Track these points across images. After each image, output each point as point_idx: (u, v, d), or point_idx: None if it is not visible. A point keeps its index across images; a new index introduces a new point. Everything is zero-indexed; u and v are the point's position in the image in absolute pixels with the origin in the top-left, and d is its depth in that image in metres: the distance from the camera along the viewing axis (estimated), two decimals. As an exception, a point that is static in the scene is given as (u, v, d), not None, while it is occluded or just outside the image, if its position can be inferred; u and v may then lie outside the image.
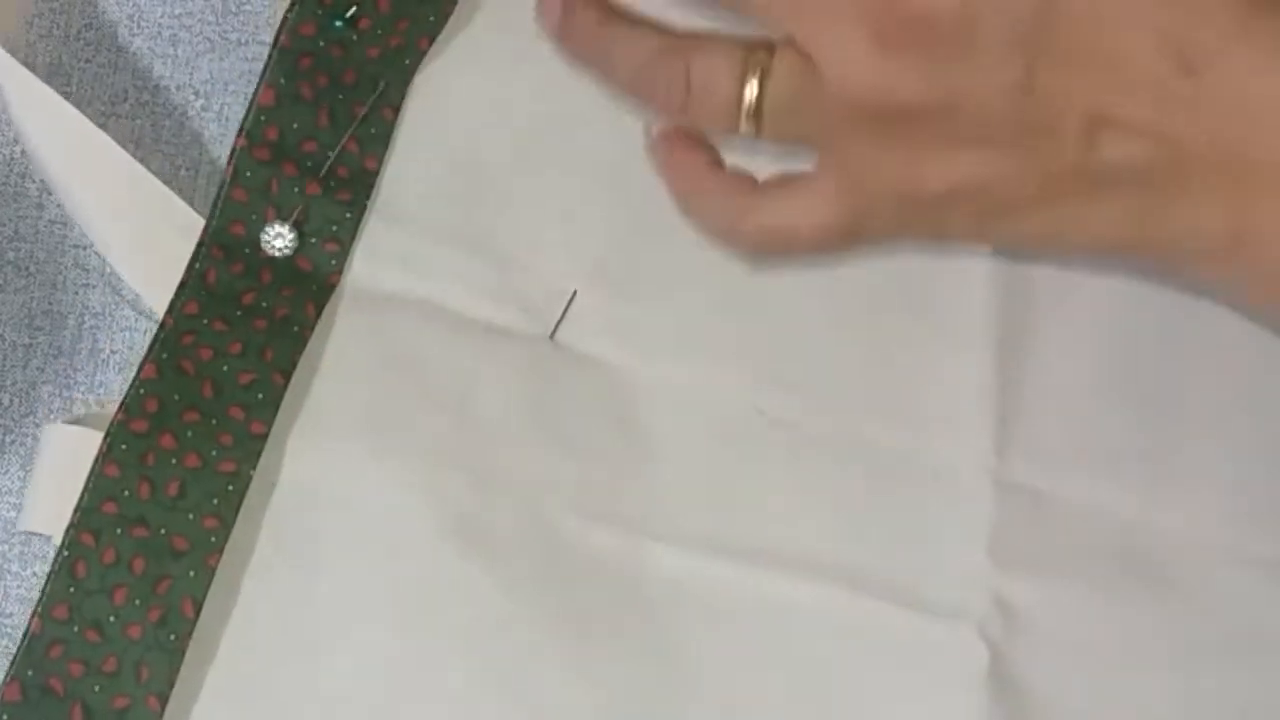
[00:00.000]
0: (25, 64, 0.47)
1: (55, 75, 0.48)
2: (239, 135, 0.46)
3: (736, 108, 0.40)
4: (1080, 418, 0.47)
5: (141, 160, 0.48)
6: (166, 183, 0.47)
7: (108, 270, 0.47)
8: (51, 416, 0.46)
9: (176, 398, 0.44)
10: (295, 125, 0.46)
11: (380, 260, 0.47)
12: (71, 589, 0.42)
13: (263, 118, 0.46)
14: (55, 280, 0.47)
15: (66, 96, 0.48)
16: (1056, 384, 0.47)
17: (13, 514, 0.45)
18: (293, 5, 0.47)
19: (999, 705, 0.45)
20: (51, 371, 0.46)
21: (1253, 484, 0.47)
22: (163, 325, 0.45)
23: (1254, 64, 0.36)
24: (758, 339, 0.47)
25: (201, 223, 0.46)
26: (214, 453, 0.43)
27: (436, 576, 0.44)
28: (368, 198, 0.47)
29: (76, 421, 0.45)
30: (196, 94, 0.49)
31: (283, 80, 0.47)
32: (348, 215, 0.46)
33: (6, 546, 0.45)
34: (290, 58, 0.47)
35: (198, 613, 0.42)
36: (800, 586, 0.45)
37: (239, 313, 0.45)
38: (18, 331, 0.47)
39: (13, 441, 0.46)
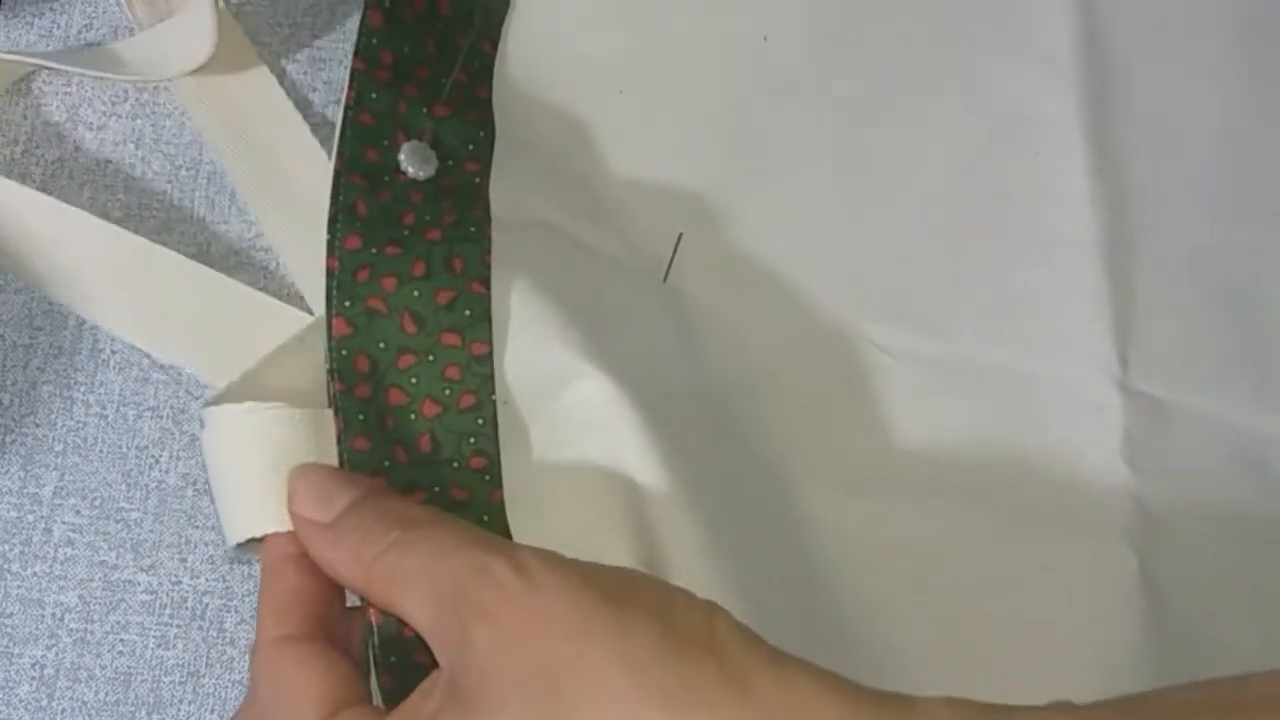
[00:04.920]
0: (25, 64, 0.47)
1: (56, 76, 0.48)
2: (355, 58, 0.44)
3: None
4: (1189, 328, 0.47)
5: (141, 160, 0.48)
6: (167, 182, 0.48)
7: (108, 270, 0.47)
8: (51, 417, 0.46)
9: (382, 345, 0.41)
10: (406, 50, 0.44)
11: (511, 181, 0.44)
12: None
13: (374, 40, 0.44)
14: (55, 280, 0.47)
15: (66, 97, 0.48)
16: (1164, 296, 0.48)
17: (13, 514, 0.45)
18: None
19: (1152, 609, 0.44)
20: (51, 371, 0.46)
21: None
22: (330, 271, 0.41)
23: None
24: (864, 271, 0.47)
25: (197, 268, 0.45)
26: (447, 391, 0.41)
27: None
28: (493, 120, 0.45)
29: (220, 401, 0.40)
30: (197, 94, 0.49)
31: (387, 3, 0.45)
32: (481, 134, 0.44)
33: (7, 546, 0.45)
34: None
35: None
36: (941, 518, 0.45)
37: (406, 232, 0.41)
38: (18, 331, 0.47)
39: (13, 441, 0.46)
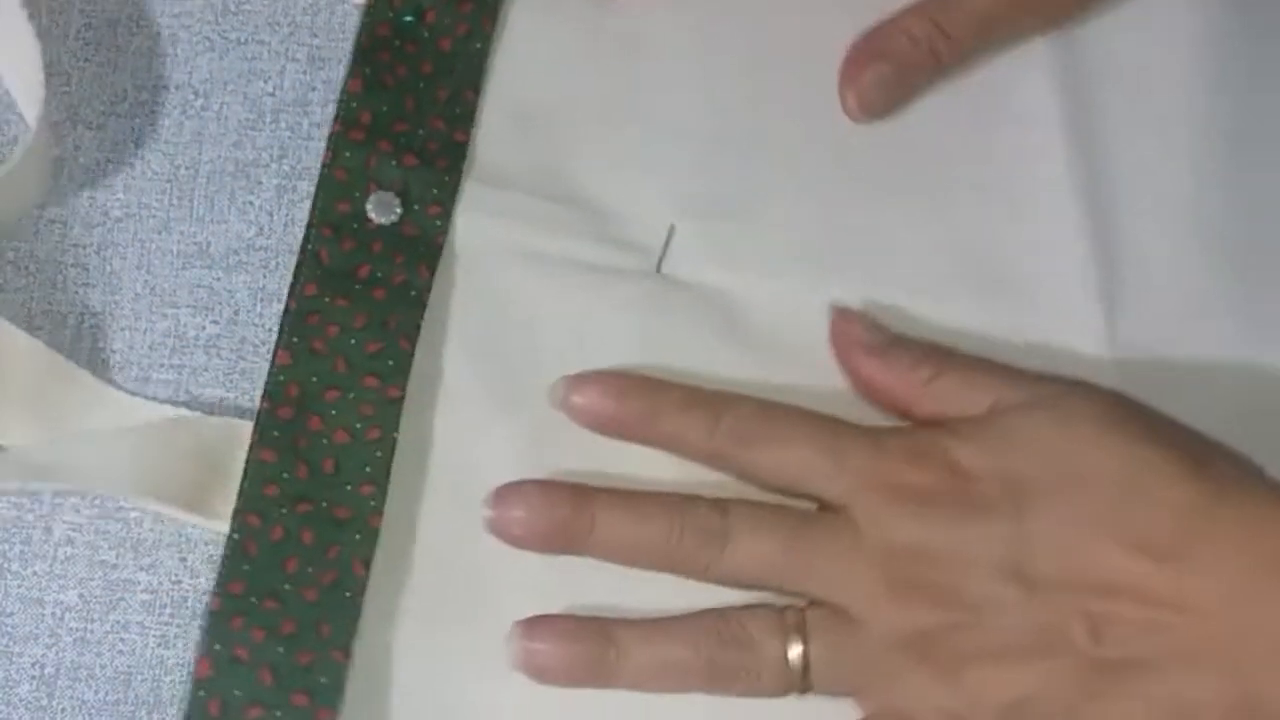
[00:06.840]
0: (25, 64, 0.47)
1: (55, 75, 0.48)
2: (335, 120, 0.48)
3: (785, 667, 0.42)
4: (1177, 284, 0.48)
5: (141, 159, 0.48)
6: (167, 182, 0.48)
7: (108, 270, 0.47)
8: (51, 417, 0.46)
9: (314, 379, 0.45)
10: (385, 109, 0.48)
11: (481, 216, 0.48)
12: (245, 566, 0.43)
13: (354, 104, 0.48)
14: (55, 280, 0.47)
15: (66, 96, 0.48)
16: (1149, 254, 0.49)
17: (13, 513, 0.45)
18: (367, 9, 0.49)
19: None
20: (51, 371, 0.46)
21: None
22: (287, 309, 0.46)
23: (1218, 553, 0.41)
24: (858, 245, 0.48)
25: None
26: (359, 425, 0.45)
27: None
28: (463, 164, 0.48)
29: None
30: (196, 93, 0.49)
31: (367, 70, 0.48)
32: (446, 179, 0.48)
33: (7, 546, 0.45)
34: (371, 53, 0.49)
35: (368, 570, 0.43)
36: None
37: (357, 286, 0.47)
38: (18, 331, 0.47)
39: (13, 441, 0.46)
